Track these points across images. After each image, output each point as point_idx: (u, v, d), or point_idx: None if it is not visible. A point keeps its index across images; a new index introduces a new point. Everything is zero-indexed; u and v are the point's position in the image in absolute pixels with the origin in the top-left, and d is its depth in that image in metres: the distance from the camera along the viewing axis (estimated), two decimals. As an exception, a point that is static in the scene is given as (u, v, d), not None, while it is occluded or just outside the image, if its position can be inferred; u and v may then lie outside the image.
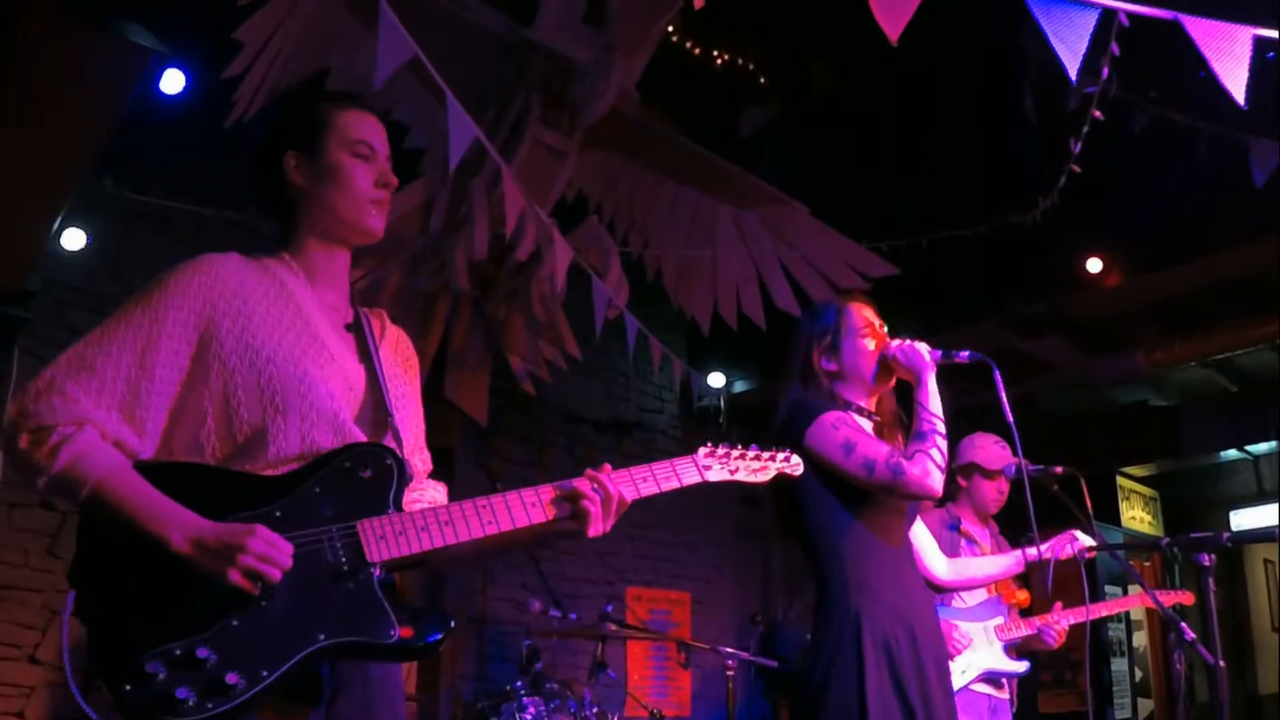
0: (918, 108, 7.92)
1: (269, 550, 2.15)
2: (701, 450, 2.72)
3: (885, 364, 3.62)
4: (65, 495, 2.21)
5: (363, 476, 2.35)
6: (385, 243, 2.86)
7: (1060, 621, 5.33)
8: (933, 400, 3.51)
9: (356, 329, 2.57)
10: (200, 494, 2.22)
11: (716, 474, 2.70)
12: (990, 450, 5.37)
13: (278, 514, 2.25)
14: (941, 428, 3.47)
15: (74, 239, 6.46)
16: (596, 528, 2.47)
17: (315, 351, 2.43)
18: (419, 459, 2.67)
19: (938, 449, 3.41)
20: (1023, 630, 5.29)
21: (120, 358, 2.28)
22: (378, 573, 2.28)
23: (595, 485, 2.48)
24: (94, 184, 6.41)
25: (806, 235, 7.58)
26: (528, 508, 2.43)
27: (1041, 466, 4.57)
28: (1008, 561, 4.67)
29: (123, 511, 2.17)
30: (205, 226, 6.91)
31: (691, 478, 2.65)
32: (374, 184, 2.55)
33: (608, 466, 2.54)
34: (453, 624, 2.35)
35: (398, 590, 2.31)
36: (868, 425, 3.61)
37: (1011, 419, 3.49)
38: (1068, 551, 4.80)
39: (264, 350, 2.35)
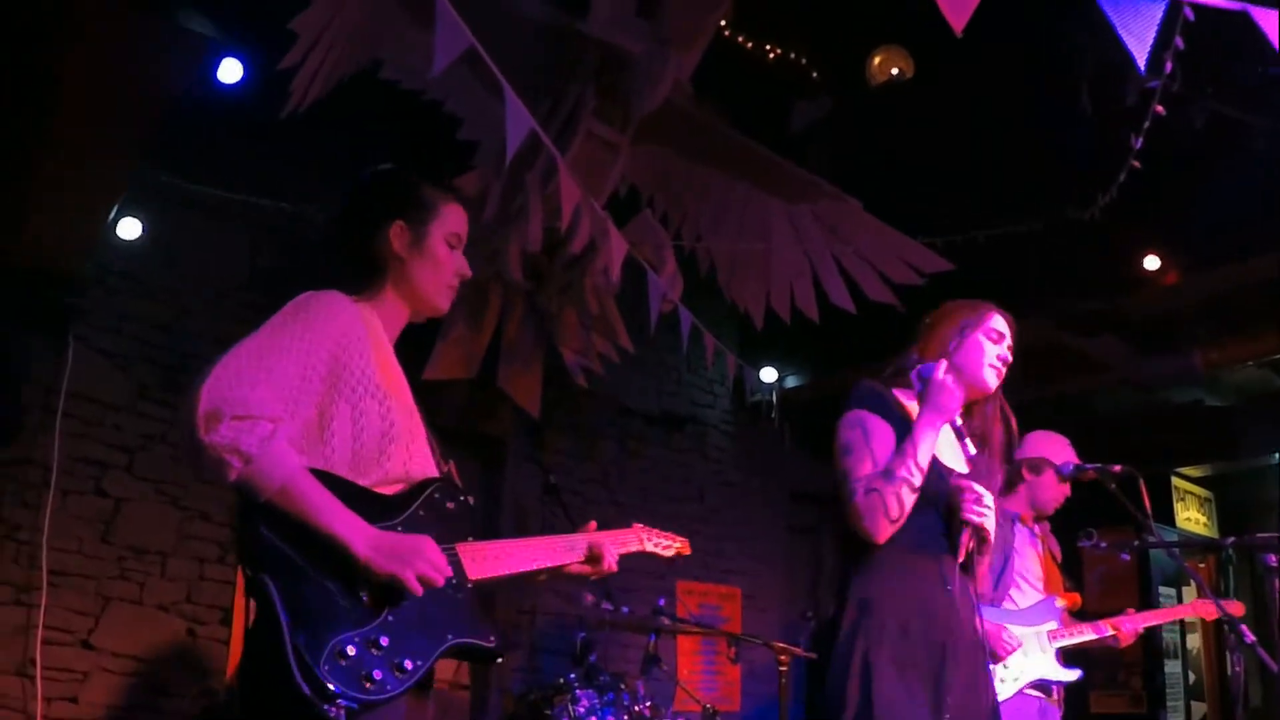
0: (972, 102, 7.78)
1: (436, 560, 2.57)
2: (636, 525, 3.51)
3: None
4: (253, 486, 2.42)
5: (448, 507, 2.80)
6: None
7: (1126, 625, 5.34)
8: (923, 446, 3.33)
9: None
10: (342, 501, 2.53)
11: (649, 546, 3.54)
12: (1064, 454, 5.29)
13: (399, 529, 2.63)
14: (917, 480, 3.29)
15: (130, 228, 6.48)
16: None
17: (408, 397, 2.83)
18: None
19: (897, 498, 3.26)
20: (1079, 636, 5.24)
21: (289, 367, 2.55)
22: (471, 586, 2.75)
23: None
24: (150, 173, 6.40)
25: (860, 230, 7.48)
26: (566, 551, 3.10)
27: (1100, 465, 4.58)
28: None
29: (308, 511, 2.44)
30: (258, 216, 7.00)
31: (634, 547, 3.44)
32: (454, 273, 2.95)
33: (594, 524, 3.28)
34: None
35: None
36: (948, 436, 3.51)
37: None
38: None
39: (383, 386, 2.70)
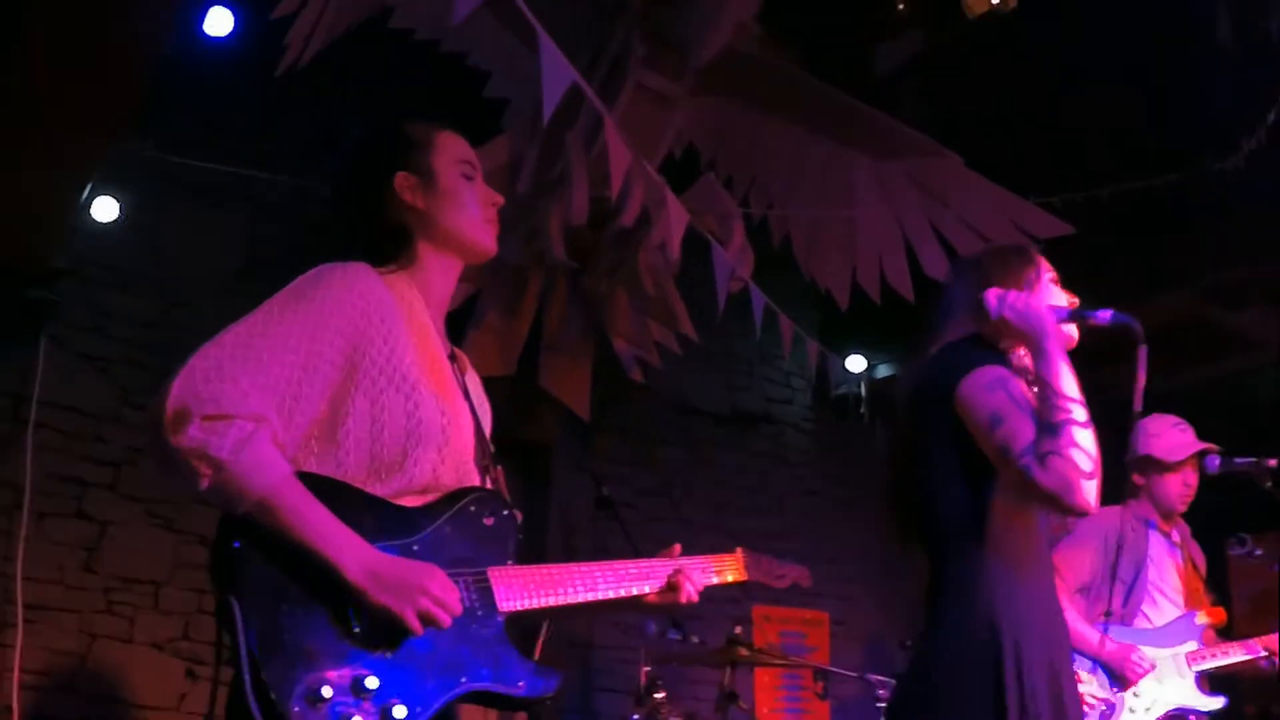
0: (1090, 37, 7.26)
1: (444, 595, 2.31)
2: (741, 550, 3.17)
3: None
4: (227, 497, 2.21)
5: (485, 523, 2.57)
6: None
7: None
8: (1063, 378, 2.86)
9: (453, 360, 2.75)
10: (343, 514, 2.30)
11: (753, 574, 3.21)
12: (1168, 437, 4.98)
13: (415, 548, 2.41)
14: (1080, 414, 2.80)
15: (106, 209, 6.21)
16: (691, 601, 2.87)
17: (449, 387, 2.61)
18: None
19: (1079, 449, 2.74)
20: (1225, 658, 4.97)
21: (285, 355, 2.33)
22: (501, 619, 2.49)
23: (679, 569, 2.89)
24: (129, 145, 6.05)
25: (961, 189, 7.03)
26: (640, 580, 2.80)
27: (1252, 459, 4.51)
28: None
29: (293, 526, 2.22)
30: (256, 193, 6.82)
31: (730, 578, 3.11)
32: (483, 203, 2.75)
33: (678, 548, 2.93)
34: (559, 681, 2.54)
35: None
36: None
37: (1140, 408, 2.99)
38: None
39: (410, 377, 2.48)
